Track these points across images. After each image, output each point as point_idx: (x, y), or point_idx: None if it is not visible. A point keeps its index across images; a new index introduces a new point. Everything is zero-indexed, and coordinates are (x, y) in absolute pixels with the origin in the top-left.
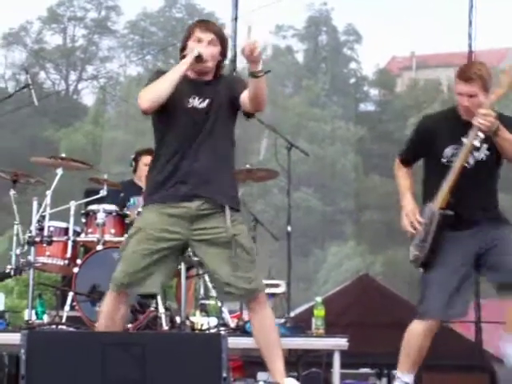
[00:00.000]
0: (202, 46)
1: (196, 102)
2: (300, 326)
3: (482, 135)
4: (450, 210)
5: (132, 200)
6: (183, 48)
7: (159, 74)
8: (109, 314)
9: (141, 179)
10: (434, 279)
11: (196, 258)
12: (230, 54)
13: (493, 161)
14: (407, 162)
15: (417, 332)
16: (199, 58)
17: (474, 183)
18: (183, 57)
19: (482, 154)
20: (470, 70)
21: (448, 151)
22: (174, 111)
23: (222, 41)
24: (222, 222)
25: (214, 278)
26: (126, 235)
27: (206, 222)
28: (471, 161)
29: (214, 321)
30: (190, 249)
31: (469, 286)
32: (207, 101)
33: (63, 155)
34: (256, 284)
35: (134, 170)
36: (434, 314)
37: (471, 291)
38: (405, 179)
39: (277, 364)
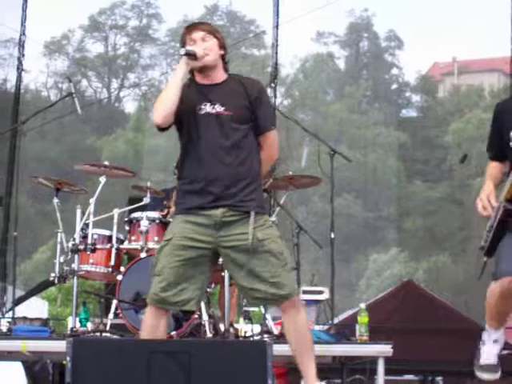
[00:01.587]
0: (196, 44)
1: (208, 108)
2: (344, 332)
3: None
4: None
5: None
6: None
7: None
8: (150, 328)
9: None
10: (505, 244)
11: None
12: (271, 62)
13: None
14: (494, 155)
15: (493, 292)
16: (191, 55)
17: None
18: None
19: None
20: None
21: None
22: (188, 120)
23: (215, 34)
24: (247, 228)
25: (240, 284)
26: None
27: (232, 228)
28: None
29: (257, 328)
30: None
31: None
32: (219, 104)
33: (106, 163)
34: (287, 289)
35: (178, 178)
36: (504, 272)
37: None
38: (490, 169)
39: (309, 367)
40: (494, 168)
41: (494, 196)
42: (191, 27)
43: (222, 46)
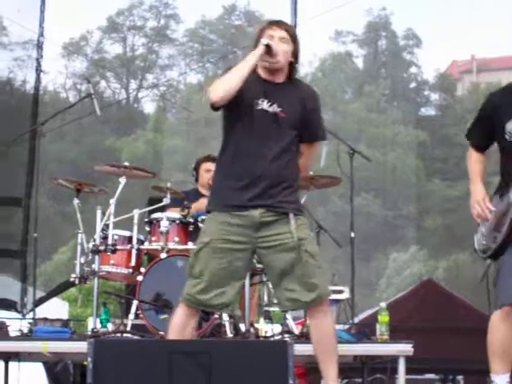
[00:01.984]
0: (274, 42)
1: (265, 105)
2: (364, 331)
3: None
4: None
5: None
6: (255, 47)
7: (231, 69)
8: (179, 328)
9: (204, 186)
10: (506, 267)
11: (259, 265)
12: None
13: None
14: (477, 145)
15: (495, 323)
16: (269, 49)
17: None
18: None
19: None
20: None
21: (509, 126)
22: (242, 111)
23: (294, 40)
24: (287, 228)
25: (278, 285)
26: (190, 244)
27: (271, 228)
28: None
29: (278, 328)
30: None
31: None
32: (276, 105)
33: (126, 164)
34: (321, 291)
35: (196, 179)
36: (508, 298)
37: None
38: (475, 164)
39: (331, 370)
40: (477, 163)
41: (488, 199)
42: (276, 23)
43: (295, 55)
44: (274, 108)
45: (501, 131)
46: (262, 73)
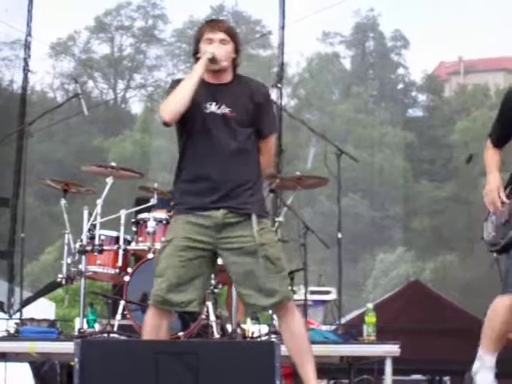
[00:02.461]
0: (214, 46)
1: (214, 108)
2: (351, 332)
3: None
4: None
5: None
6: (196, 52)
7: (178, 83)
8: (153, 329)
9: None
10: None
11: None
12: (277, 62)
13: None
14: (496, 141)
15: (499, 306)
16: (213, 59)
17: None
18: (197, 60)
19: None
20: None
21: None
22: (193, 118)
23: (233, 37)
24: (249, 231)
25: (238, 288)
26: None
27: (233, 230)
28: None
29: (265, 328)
30: None
31: None
32: (225, 106)
33: (113, 164)
34: (281, 295)
35: None
36: None
37: None
38: (492, 156)
39: (308, 369)
40: (494, 156)
41: (503, 190)
42: (212, 25)
43: (237, 50)
44: (223, 109)
45: None
46: (207, 77)
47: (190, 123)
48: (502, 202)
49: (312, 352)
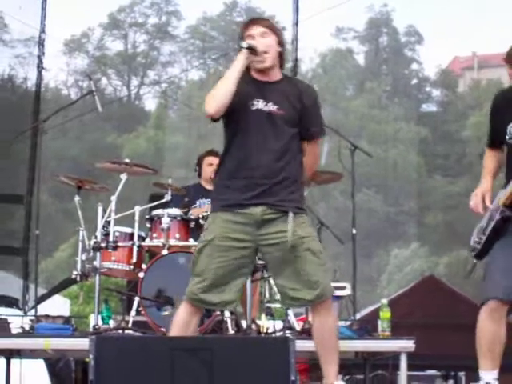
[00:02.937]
0: (255, 40)
1: (261, 105)
2: (366, 328)
3: None
4: None
5: (198, 203)
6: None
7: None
8: (182, 326)
9: (207, 181)
10: (494, 265)
11: (261, 262)
12: (291, 57)
13: None
14: (492, 144)
15: (481, 319)
16: (252, 50)
17: None
18: None
19: None
20: None
21: (510, 127)
22: (239, 115)
23: (274, 30)
24: (287, 226)
25: (280, 283)
26: (191, 240)
27: (272, 226)
28: None
29: (279, 324)
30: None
31: None
32: (272, 103)
33: (127, 160)
34: (323, 289)
35: (199, 175)
36: (493, 295)
37: None
38: (489, 161)
39: (331, 368)
40: (491, 158)
41: (489, 196)
42: (250, 23)
43: (281, 43)
44: (270, 106)
45: (503, 132)
46: (256, 74)
47: (235, 119)
48: (485, 207)
49: (338, 351)
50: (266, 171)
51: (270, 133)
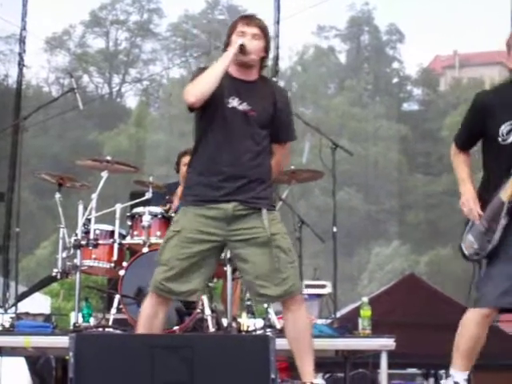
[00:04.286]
0: (246, 38)
1: (236, 103)
2: (346, 326)
3: None
4: None
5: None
6: (227, 44)
7: (203, 70)
8: (149, 318)
9: (184, 179)
10: (497, 269)
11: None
12: (272, 55)
13: None
14: (464, 146)
15: (470, 321)
16: (243, 49)
17: None
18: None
19: None
20: None
21: (504, 128)
22: (214, 110)
23: (266, 35)
24: (260, 222)
25: (249, 279)
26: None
27: (244, 222)
28: None
29: (260, 322)
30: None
31: None
32: (246, 103)
33: (108, 158)
34: (292, 285)
35: (178, 172)
36: (490, 301)
37: None
38: (463, 166)
39: (307, 365)
40: (465, 164)
41: (477, 201)
42: (246, 20)
43: (266, 49)
44: (244, 106)
45: (494, 133)
46: (233, 70)
47: (210, 114)
48: (479, 215)
49: (313, 347)
50: (239, 169)
51: (243, 132)
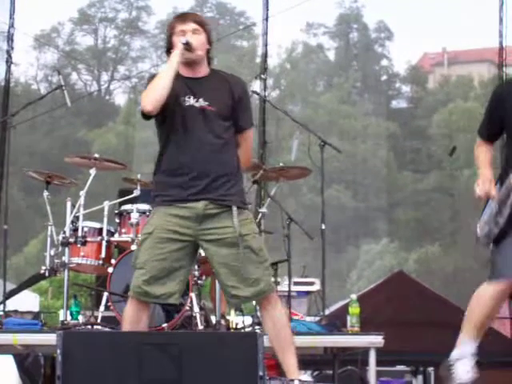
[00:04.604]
0: (188, 35)
1: (192, 101)
2: (335, 323)
3: None
4: None
5: None
6: (169, 47)
7: (155, 77)
8: (132, 323)
9: None
10: (509, 244)
11: None
12: (260, 52)
13: None
14: (486, 137)
15: (483, 294)
16: (188, 46)
17: None
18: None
19: None
20: None
21: None
22: (172, 112)
23: (205, 28)
24: (231, 222)
25: (220, 280)
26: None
27: (214, 221)
28: None
29: (248, 320)
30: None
31: None
32: (202, 99)
33: (96, 155)
34: (263, 286)
35: None
36: (504, 274)
37: None
38: (484, 154)
39: (290, 361)
40: (485, 152)
41: (492, 183)
42: (182, 17)
43: (209, 41)
44: (201, 103)
45: (510, 121)
46: (183, 70)
47: (169, 116)
48: (492, 196)
49: (294, 342)
50: (204, 166)
51: (205, 128)
